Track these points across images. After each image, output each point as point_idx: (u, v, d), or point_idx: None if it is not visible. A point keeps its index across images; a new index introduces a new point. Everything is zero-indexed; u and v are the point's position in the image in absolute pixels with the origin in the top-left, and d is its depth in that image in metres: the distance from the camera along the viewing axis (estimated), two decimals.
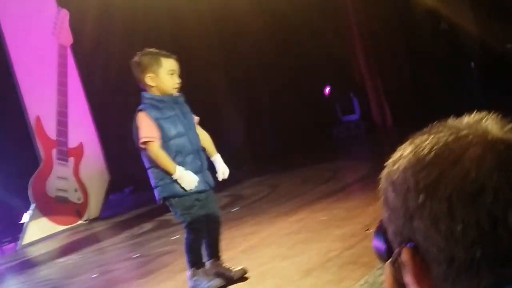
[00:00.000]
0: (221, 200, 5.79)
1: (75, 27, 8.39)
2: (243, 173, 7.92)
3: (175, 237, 5.50)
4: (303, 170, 7.39)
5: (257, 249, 4.30)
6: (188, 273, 3.59)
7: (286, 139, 8.98)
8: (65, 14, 8.30)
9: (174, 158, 3.46)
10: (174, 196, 3.51)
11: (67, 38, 8.29)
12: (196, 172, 3.50)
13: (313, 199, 5.58)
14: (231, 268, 3.64)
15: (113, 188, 8.98)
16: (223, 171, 3.69)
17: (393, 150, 0.78)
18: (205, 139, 3.71)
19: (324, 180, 6.52)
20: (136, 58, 3.57)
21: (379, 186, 0.79)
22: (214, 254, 3.69)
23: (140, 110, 3.49)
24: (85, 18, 8.45)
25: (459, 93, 8.34)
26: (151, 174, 3.55)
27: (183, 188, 3.46)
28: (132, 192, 10.24)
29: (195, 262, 3.57)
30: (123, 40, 8.49)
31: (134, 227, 6.91)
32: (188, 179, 3.44)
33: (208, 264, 3.70)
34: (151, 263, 4.81)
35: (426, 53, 9.06)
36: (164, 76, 3.50)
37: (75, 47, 8.43)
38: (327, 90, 9.87)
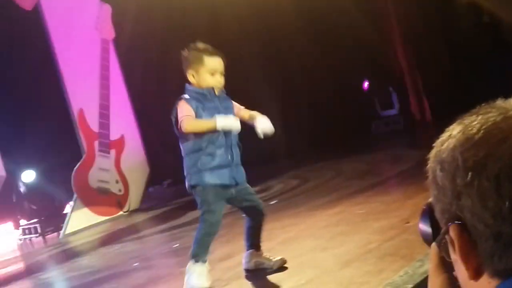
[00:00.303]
0: (259, 193, 5.84)
1: (117, 21, 8.55)
2: (279, 167, 7.97)
3: None
4: (341, 164, 7.39)
5: (295, 240, 4.34)
6: (188, 263, 3.56)
7: (324, 133, 8.98)
8: (107, 9, 8.48)
9: (205, 148, 3.49)
10: (199, 184, 3.54)
11: (109, 32, 8.47)
12: (224, 166, 3.52)
13: (350, 192, 5.59)
14: (270, 258, 3.69)
15: (152, 181, 9.12)
16: (261, 127, 3.55)
17: (432, 144, 0.81)
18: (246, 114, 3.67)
19: (362, 174, 6.52)
20: (184, 52, 3.59)
21: (427, 166, 0.82)
22: (255, 245, 3.73)
23: (181, 99, 3.55)
24: (126, 12, 8.59)
25: (500, 88, 8.19)
26: (184, 163, 3.60)
27: (210, 179, 3.48)
28: (170, 185, 10.40)
29: (198, 255, 3.53)
30: (163, 33, 8.63)
31: (173, 218, 7.02)
32: (230, 121, 3.44)
33: (248, 253, 3.74)
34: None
35: (466, 46, 8.94)
36: (205, 75, 3.52)
37: (116, 41, 8.59)
38: (366, 84, 9.83)
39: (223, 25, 8.81)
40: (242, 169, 3.66)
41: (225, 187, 3.55)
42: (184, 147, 3.60)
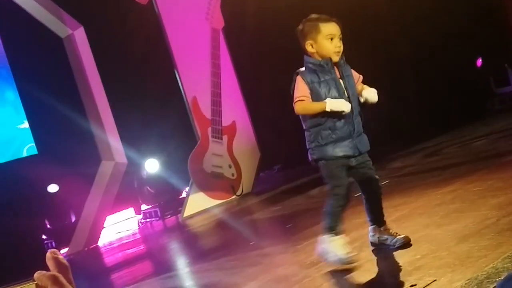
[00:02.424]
0: None
1: (226, 10, 8.79)
2: (393, 146, 7.90)
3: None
4: (454, 142, 7.22)
5: (409, 218, 4.32)
6: (322, 237, 3.63)
7: (436, 112, 8.78)
8: None
9: (324, 122, 3.54)
10: (322, 159, 3.59)
11: (219, 22, 8.73)
12: (346, 137, 3.55)
13: (465, 171, 5.45)
14: (394, 234, 3.66)
15: (263, 165, 9.31)
16: (366, 95, 3.60)
17: None
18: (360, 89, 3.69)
19: (476, 152, 6.34)
20: (299, 26, 3.64)
21: None
22: (375, 220, 3.75)
23: (297, 73, 3.61)
24: (236, 1, 8.78)
25: None
26: (306, 136, 3.67)
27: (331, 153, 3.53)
28: (281, 170, 10.58)
29: (331, 228, 3.58)
30: (270, 20, 8.75)
31: (284, 201, 7.16)
32: (339, 103, 3.47)
33: (371, 228, 3.77)
34: (304, 232, 5.00)
35: None
36: (323, 41, 3.54)
37: (226, 30, 8.84)
38: (479, 61, 9.48)
39: (329, 13, 8.78)
40: (365, 138, 3.66)
41: (347, 158, 3.58)
42: (304, 122, 3.67)
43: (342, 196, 3.58)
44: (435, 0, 8.82)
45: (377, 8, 8.91)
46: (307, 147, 3.68)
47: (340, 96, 3.56)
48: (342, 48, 3.59)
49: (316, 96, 3.56)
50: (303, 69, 3.62)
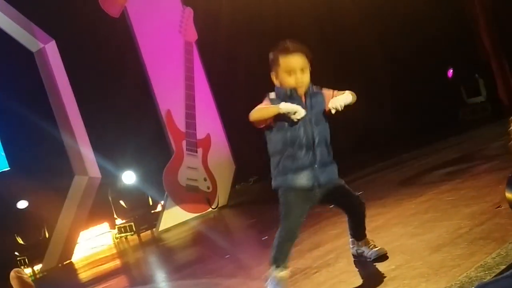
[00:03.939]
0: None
1: (199, 23, 8.80)
2: (363, 158, 7.93)
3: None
4: (427, 153, 7.29)
5: (384, 228, 4.34)
6: (269, 269, 3.46)
7: (408, 122, 8.86)
8: (189, 12, 8.74)
9: (286, 150, 3.40)
10: (281, 186, 3.46)
11: (192, 35, 8.73)
12: (305, 167, 3.41)
13: (438, 181, 5.51)
14: (370, 246, 3.67)
15: (238, 178, 9.30)
16: (330, 106, 3.36)
17: None
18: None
19: (449, 162, 6.41)
20: (269, 53, 3.52)
21: (509, 129, 0.87)
22: (354, 235, 3.74)
23: (266, 96, 3.47)
24: (208, 14, 8.80)
25: None
26: (271, 162, 3.53)
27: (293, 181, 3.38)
28: (256, 182, 10.56)
29: (277, 261, 3.42)
30: (244, 33, 8.77)
31: (260, 213, 7.14)
32: (292, 106, 3.29)
33: (350, 241, 3.76)
34: None
35: None
36: (282, 75, 3.41)
37: (199, 43, 8.84)
38: (450, 72, 9.61)
39: (303, 21, 8.84)
40: (330, 168, 3.50)
41: (307, 189, 3.43)
42: (268, 148, 3.54)
43: (289, 229, 3.42)
44: (406, 11, 8.92)
45: (349, 18, 8.99)
46: (271, 173, 3.54)
47: (304, 124, 3.40)
48: (305, 80, 3.42)
49: (279, 123, 3.40)
50: (272, 95, 3.46)
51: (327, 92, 3.55)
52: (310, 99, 3.46)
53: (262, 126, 3.45)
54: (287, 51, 3.41)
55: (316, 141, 3.43)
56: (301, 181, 3.41)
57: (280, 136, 3.42)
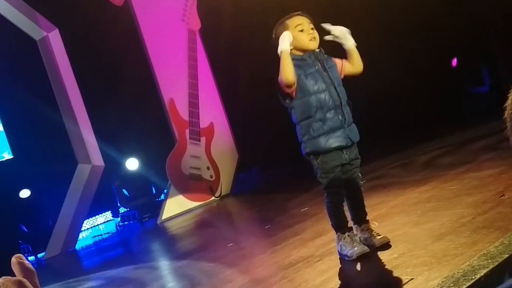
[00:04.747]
0: None
1: (202, 11, 8.76)
2: (368, 146, 7.90)
3: (304, 209, 5.68)
4: (430, 143, 7.27)
5: (386, 217, 4.35)
6: (335, 236, 3.69)
7: (411, 112, 8.82)
8: (193, 0, 8.70)
9: (314, 114, 3.55)
10: (316, 152, 3.59)
11: (196, 23, 8.69)
12: (336, 128, 3.56)
13: (441, 170, 5.50)
14: (374, 234, 3.69)
15: (241, 167, 9.30)
16: (333, 33, 3.69)
17: None
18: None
19: (452, 151, 6.40)
20: (272, 36, 3.71)
21: (504, 116, 0.85)
22: (356, 220, 3.78)
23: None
24: (212, 2, 8.75)
25: None
26: (297, 130, 3.68)
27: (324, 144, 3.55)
28: (259, 171, 10.56)
29: (339, 226, 3.65)
30: (247, 21, 8.73)
31: (263, 202, 7.15)
32: (283, 39, 3.54)
33: (354, 228, 3.78)
34: (282, 232, 5.00)
35: None
36: (294, 34, 3.59)
37: (203, 31, 8.81)
38: (454, 61, 9.56)
39: (305, 9, 8.79)
40: (355, 127, 3.68)
41: (340, 149, 3.59)
42: (294, 116, 3.67)
43: (335, 193, 3.63)
44: (410, 2, 8.86)
45: (353, 8, 8.94)
46: (299, 140, 3.68)
47: (327, 87, 3.59)
48: (316, 34, 3.64)
49: (302, 89, 3.58)
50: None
51: (337, 60, 3.76)
52: (324, 63, 3.66)
53: (291, 91, 3.58)
54: (291, 14, 3.69)
55: (343, 102, 3.62)
56: (336, 142, 3.56)
57: (305, 101, 3.57)
